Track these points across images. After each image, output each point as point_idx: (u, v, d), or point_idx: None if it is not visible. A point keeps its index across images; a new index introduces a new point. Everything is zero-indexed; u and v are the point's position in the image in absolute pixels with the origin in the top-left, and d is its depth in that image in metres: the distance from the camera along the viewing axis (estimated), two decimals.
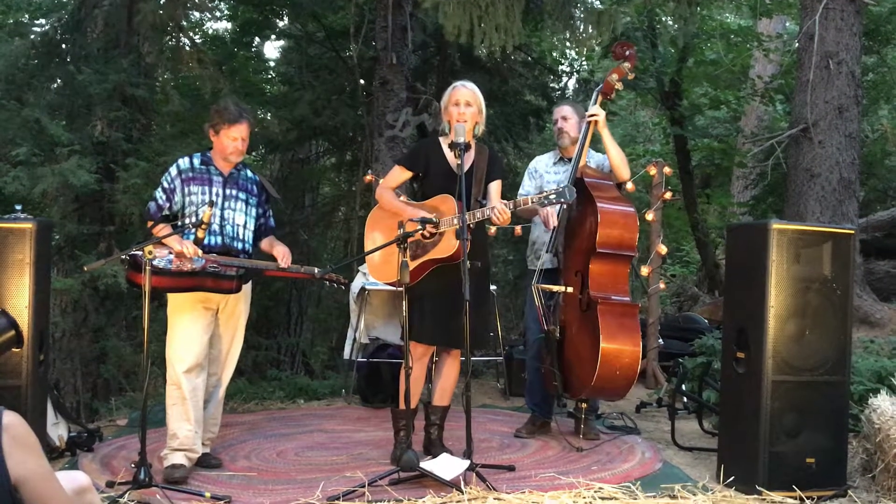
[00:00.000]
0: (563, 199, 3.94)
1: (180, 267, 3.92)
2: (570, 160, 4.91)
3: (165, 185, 4.16)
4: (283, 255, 4.23)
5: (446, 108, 4.31)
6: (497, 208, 3.99)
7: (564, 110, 5.04)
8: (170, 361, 4.09)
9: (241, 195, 4.25)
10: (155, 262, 3.80)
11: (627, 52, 4.81)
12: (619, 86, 4.85)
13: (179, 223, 4.04)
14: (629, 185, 5.47)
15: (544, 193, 3.97)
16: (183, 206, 4.15)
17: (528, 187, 5.14)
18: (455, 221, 4.02)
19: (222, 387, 4.41)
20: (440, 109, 4.42)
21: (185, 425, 4.04)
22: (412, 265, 3.99)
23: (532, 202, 4.01)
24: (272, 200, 4.49)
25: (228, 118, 4.13)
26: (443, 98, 4.37)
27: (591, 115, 4.76)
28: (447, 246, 4.08)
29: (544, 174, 5.09)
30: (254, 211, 4.31)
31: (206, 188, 4.17)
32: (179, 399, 4.05)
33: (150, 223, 4.13)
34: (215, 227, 4.12)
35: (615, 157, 4.79)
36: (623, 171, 4.81)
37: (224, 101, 4.42)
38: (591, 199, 4.60)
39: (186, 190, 4.15)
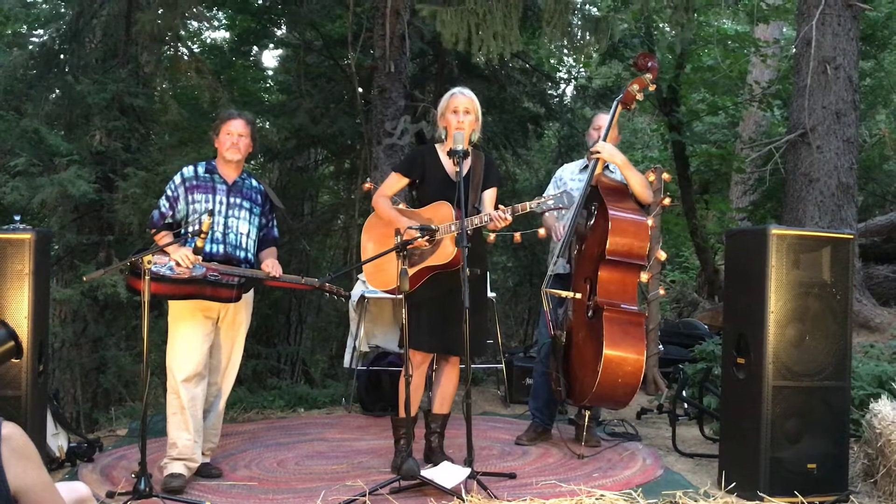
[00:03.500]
0: (560, 205, 3.96)
1: (181, 274, 3.92)
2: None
3: (169, 193, 4.17)
4: (271, 266, 4.23)
5: (443, 115, 4.31)
6: (496, 215, 3.99)
7: (603, 119, 4.94)
8: (170, 370, 4.09)
9: (245, 204, 4.26)
10: (156, 269, 3.82)
11: (650, 64, 4.78)
12: (639, 96, 4.81)
13: (180, 231, 4.05)
14: (648, 222, 5.51)
15: (542, 199, 3.99)
16: (187, 215, 4.15)
17: None
18: (452, 228, 4.02)
19: (223, 397, 4.40)
20: (437, 116, 4.42)
21: (185, 434, 4.03)
22: (410, 272, 3.98)
23: (530, 207, 4.02)
24: (276, 210, 4.50)
25: (225, 116, 4.26)
26: (440, 104, 4.36)
27: (595, 153, 4.71)
28: (444, 253, 4.08)
29: (568, 181, 5.09)
30: (257, 220, 4.31)
31: (210, 196, 4.17)
32: (179, 408, 4.04)
33: (152, 231, 4.14)
34: (218, 235, 4.12)
35: (634, 183, 4.71)
36: (645, 194, 4.75)
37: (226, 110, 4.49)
38: (603, 207, 4.59)
39: (190, 198, 4.16)
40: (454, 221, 4.02)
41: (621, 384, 4.41)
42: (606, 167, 4.89)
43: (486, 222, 4.03)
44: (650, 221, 6.53)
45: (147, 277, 3.68)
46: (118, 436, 5.45)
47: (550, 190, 5.17)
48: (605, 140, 4.75)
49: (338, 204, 11.36)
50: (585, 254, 4.75)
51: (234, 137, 4.20)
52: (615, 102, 4.86)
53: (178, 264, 3.91)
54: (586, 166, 5.01)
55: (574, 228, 4.78)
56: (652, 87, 4.87)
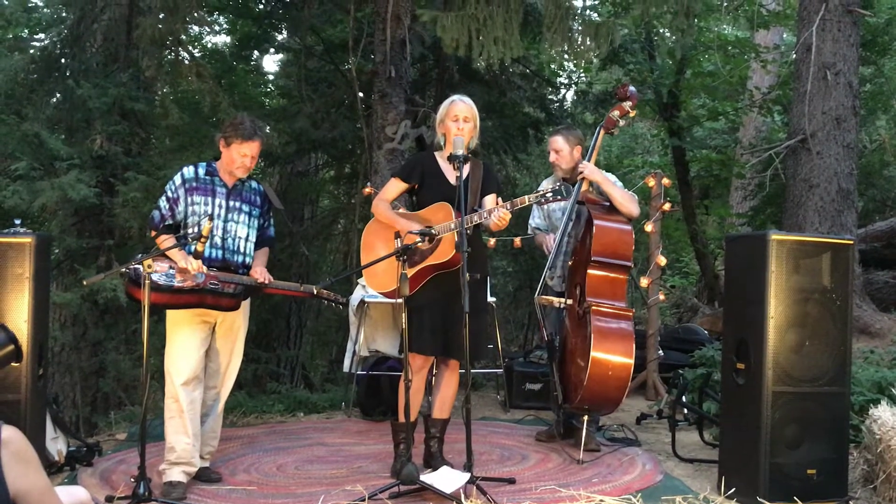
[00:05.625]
0: (560, 197, 3.99)
1: (182, 283, 3.91)
2: (573, 184, 4.99)
3: (169, 193, 4.15)
4: (260, 273, 4.20)
5: (443, 122, 4.33)
6: (496, 213, 4.00)
7: (557, 142, 5.10)
8: (168, 374, 4.09)
9: (245, 207, 4.25)
10: (154, 277, 3.79)
11: (629, 93, 5.02)
12: (621, 122, 5.05)
13: (180, 235, 4.04)
14: (648, 228, 6.11)
15: (541, 192, 4.05)
16: (185, 216, 4.13)
17: (537, 220, 5.37)
18: (452, 227, 4.03)
19: (221, 401, 4.40)
20: (436, 122, 4.44)
21: (183, 438, 4.03)
22: (410, 273, 3.99)
23: (529, 201, 4.06)
24: (274, 210, 4.49)
25: (242, 134, 4.10)
26: (439, 111, 4.39)
27: (579, 173, 4.91)
28: (444, 251, 4.09)
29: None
30: (256, 223, 4.31)
31: (210, 199, 4.16)
32: (177, 412, 4.04)
33: (153, 233, 4.13)
34: (217, 239, 4.11)
35: (618, 199, 4.85)
36: (628, 208, 4.85)
37: (241, 115, 4.39)
38: (590, 218, 4.76)
39: (189, 199, 4.13)
40: (454, 220, 4.04)
41: (612, 377, 4.48)
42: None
43: (486, 219, 4.05)
44: (649, 227, 6.60)
45: (147, 282, 3.67)
46: (117, 440, 5.45)
47: (535, 212, 5.40)
48: (588, 160, 4.97)
49: (338, 208, 11.38)
50: (576, 263, 4.93)
51: (247, 160, 4.16)
52: (598, 128, 5.13)
53: (179, 272, 3.90)
54: (559, 183, 5.12)
55: (563, 239, 4.98)
56: (633, 114, 5.12)
